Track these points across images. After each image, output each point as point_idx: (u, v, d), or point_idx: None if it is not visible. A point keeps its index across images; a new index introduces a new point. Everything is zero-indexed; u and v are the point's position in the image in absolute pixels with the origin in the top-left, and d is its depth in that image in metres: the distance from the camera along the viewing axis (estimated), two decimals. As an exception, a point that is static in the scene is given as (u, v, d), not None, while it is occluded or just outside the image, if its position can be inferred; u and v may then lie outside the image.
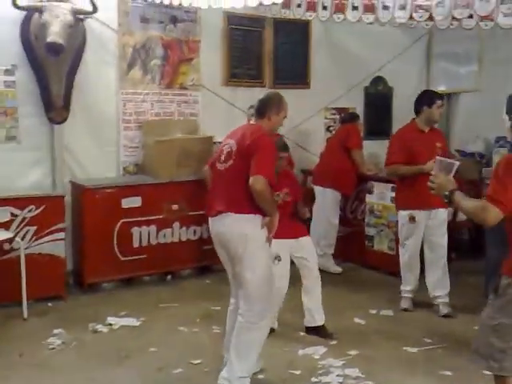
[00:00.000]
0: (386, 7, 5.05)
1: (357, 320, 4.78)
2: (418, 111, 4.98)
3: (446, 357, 4.08)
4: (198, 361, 4.01)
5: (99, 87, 5.76)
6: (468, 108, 7.60)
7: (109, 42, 5.80)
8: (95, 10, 5.09)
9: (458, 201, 2.75)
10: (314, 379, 3.75)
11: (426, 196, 4.73)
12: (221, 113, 6.43)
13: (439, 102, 4.94)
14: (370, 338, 4.45)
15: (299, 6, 5.62)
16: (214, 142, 6.06)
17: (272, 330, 4.30)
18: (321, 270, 6.07)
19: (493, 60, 7.04)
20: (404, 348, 4.23)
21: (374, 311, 5.01)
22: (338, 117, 7.26)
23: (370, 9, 5.16)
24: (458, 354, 4.04)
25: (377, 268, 6.09)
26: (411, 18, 5.35)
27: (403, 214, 5.00)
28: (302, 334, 4.51)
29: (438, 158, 3.01)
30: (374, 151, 7.19)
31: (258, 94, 6.57)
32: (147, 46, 5.96)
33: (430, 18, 5.48)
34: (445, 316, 4.87)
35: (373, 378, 3.76)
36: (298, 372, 3.85)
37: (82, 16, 5.14)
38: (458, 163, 2.90)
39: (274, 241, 3.81)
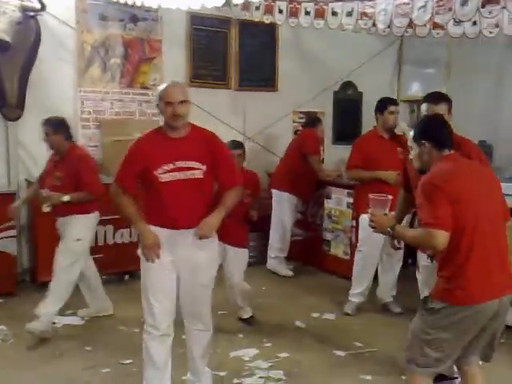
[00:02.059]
0: (334, 13, 5.10)
1: (297, 323, 4.76)
2: (375, 119, 5.07)
3: (372, 361, 4.07)
4: (129, 361, 3.99)
5: (56, 85, 5.76)
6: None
7: (67, 39, 5.81)
8: (43, 7, 5.12)
9: (402, 235, 2.87)
10: (236, 381, 3.74)
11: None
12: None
13: (391, 108, 4.96)
14: (303, 341, 4.42)
15: (257, 8, 5.63)
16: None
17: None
18: (273, 273, 6.17)
19: (461, 67, 7.01)
20: (334, 351, 4.22)
21: (316, 315, 5.00)
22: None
23: (320, 14, 5.19)
24: (384, 358, 4.06)
25: (332, 272, 6.09)
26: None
27: (364, 218, 4.95)
28: (240, 335, 4.50)
29: (370, 195, 3.05)
30: (343, 156, 7.13)
31: (223, 95, 6.76)
32: (106, 44, 5.98)
33: (410, 25, 5.56)
34: (399, 314, 4.97)
35: (294, 380, 3.75)
36: (223, 373, 3.83)
37: (31, 13, 5.15)
38: (390, 198, 3.01)
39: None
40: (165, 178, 3.15)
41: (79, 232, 4.48)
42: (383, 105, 4.98)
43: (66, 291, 4.42)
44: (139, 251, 3.23)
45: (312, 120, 6.64)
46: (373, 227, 2.96)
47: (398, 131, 5.15)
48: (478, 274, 2.63)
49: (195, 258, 3.24)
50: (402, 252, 4.99)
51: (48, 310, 4.34)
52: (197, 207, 3.21)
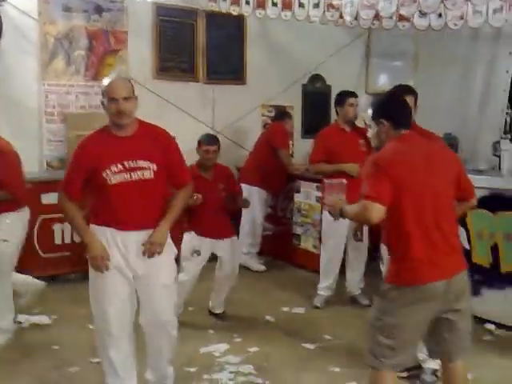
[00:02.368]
0: (301, 4, 5.10)
1: (267, 317, 4.75)
2: (336, 112, 5.13)
3: (340, 353, 4.09)
4: (98, 359, 3.91)
5: (19, 78, 5.65)
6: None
7: (29, 31, 5.70)
8: (1, -3, 5.01)
9: (347, 213, 2.86)
10: (206, 376, 3.71)
11: (347, 192, 4.87)
12: (151, 107, 6.28)
13: (350, 100, 5.00)
14: (273, 334, 4.42)
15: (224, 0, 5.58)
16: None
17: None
18: (244, 268, 6.14)
19: (427, 59, 7.05)
20: (303, 345, 4.22)
21: (286, 309, 4.99)
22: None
23: (288, 5, 5.17)
24: (353, 350, 4.08)
25: (303, 266, 6.09)
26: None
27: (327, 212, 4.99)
28: (211, 331, 4.48)
29: (325, 181, 3.07)
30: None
31: (191, 88, 6.69)
32: (70, 35, 5.87)
33: (377, 17, 5.60)
34: (367, 306, 4.90)
35: (263, 374, 3.75)
36: (193, 369, 3.80)
37: (-10, 4, 5.04)
38: (345, 182, 3.10)
39: (196, 236, 4.42)
40: (114, 179, 3.00)
41: (4, 232, 4.10)
42: (342, 98, 5.04)
43: (6, 298, 4.21)
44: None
45: (281, 113, 6.63)
46: (328, 211, 2.99)
47: (359, 122, 5.15)
48: (423, 256, 2.65)
49: (149, 259, 3.10)
50: (366, 245, 5.02)
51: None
52: (149, 209, 3.07)
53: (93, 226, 3.09)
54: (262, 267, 6.16)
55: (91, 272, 3.11)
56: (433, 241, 2.67)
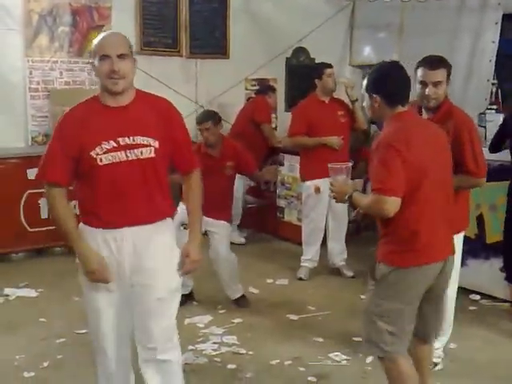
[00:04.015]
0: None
1: (251, 289, 4.85)
2: (313, 86, 5.13)
3: (324, 324, 4.20)
4: (84, 330, 4.01)
5: (3, 54, 5.68)
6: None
7: (13, 8, 5.70)
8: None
9: (358, 202, 2.71)
10: (190, 347, 3.80)
11: (324, 164, 4.93)
12: (135, 82, 6.25)
13: (328, 71, 5.04)
14: (257, 306, 4.52)
15: (207, -27, 5.57)
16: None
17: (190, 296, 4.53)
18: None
19: (412, 31, 7.05)
20: (287, 315, 4.33)
21: (270, 280, 5.11)
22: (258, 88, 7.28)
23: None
24: (337, 321, 4.22)
25: (287, 239, 6.19)
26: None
27: (308, 185, 5.09)
28: (194, 303, 4.57)
29: (329, 165, 2.87)
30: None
31: (174, 63, 6.70)
32: (54, 12, 5.87)
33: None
34: (351, 277, 5.13)
35: (247, 344, 3.85)
36: (177, 340, 3.90)
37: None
38: (350, 164, 2.85)
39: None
40: (105, 159, 2.43)
41: None
42: (320, 70, 5.08)
43: None
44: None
45: (264, 87, 6.65)
46: (334, 197, 2.82)
47: (341, 89, 5.19)
48: (429, 238, 2.62)
49: (148, 262, 2.56)
50: (346, 214, 5.10)
51: None
52: (150, 197, 2.52)
53: (82, 227, 2.55)
54: (242, 240, 6.23)
55: (82, 282, 2.65)
56: (437, 222, 2.64)
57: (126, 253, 2.53)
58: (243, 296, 4.58)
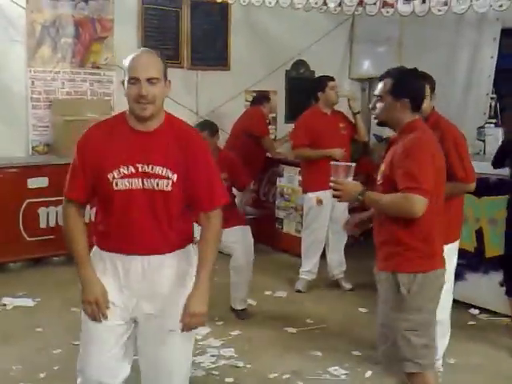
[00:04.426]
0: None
1: (250, 301, 4.82)
2: (314, 98, 5.16)
3: (322, 337, 4.19)
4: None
5: (6, 64, 5.70)
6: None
7: (16, 19, 5.74)
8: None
9: (375, 200, 2.64)
10: (188, 359, 3.80)
11: (328, 177, 4.96)
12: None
13: (331, 84, 5.09)
14: (255, 318, 4.52)
15: (209, -13, 5.62)
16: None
17: None
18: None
19: (411, 45, 7.12)
20: (285, 328, 4.32)
21: (268, 292, 5.10)
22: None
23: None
24: (335, 334, 4.21)
25: (285, 250, 6.19)
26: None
27: (310, 197, 5.10)
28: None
29: (331, 162, 2.81)
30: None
31: (175, 74, 6.73)
32: (57, 23, 5.91)
33: (360, 3, 5.63)
34: (350, 290, 5.13)
35: (245, 357, 3.84)
36: (175, 352, 3.89)
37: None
38: (353, 165, 2.79)
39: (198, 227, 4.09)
40: (121, 184, 2.32)
41: None
42: (323, 82, 5.12)
43: None
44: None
45: (259, 98, 6.59)
46: (337, 196, 2.71)
47: (341, 97, 5.24)
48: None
49: (159, 288, 2.40)
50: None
51: None
52: (161, 230, 2.37)
53: (95, 249, 2.47)
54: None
55: (83, 323, 2.52)
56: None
57: (134, 280, 2.38)
58: (245, 309, 4.57)
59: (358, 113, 5.18)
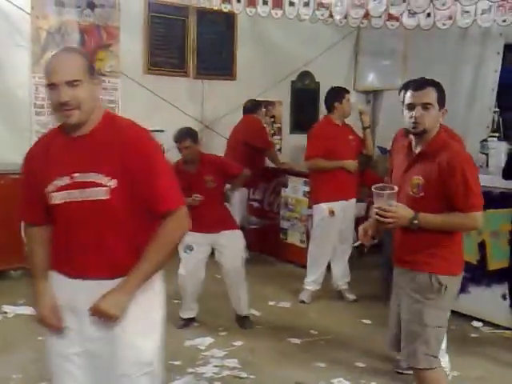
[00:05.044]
0: (292, 3, 5.16)
1: (253, 311, 4.79)
2: (330, 108, 5.08)
3: (326, 348, 4.15)
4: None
5: (10, 70, 5.68)
6: (392, 105, 7.67)
7: (22, 24, 5.73)
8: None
9: (433, 222, 2.65)
10: (190, 370, 3.76)
11: (343, 188, 4.98)
12: (142, 101, 6.39)
13: (347, 96, 5.08)
14: (259, 329, 4.48)
15: (216, -3, 5.63)
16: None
17: (193, 319, 4.49)
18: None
19: (415, 58, 7.14)
20: (288, 339, 4.28)
21: (272, 303, 5.06)
22: (264, 110, 7.31)
23: (278, 4, 5.23)
24: (339, 346, 4.17)
25: (290, 261, 6.16)
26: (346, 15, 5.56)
27: (323, 208, 5.03)
28: (195, 324, 4.52)
29: (374, 189, 2.67)
30: (301, 144, 7.26)
31: (181, 83, 6.75)
32: (62, 30, 5.89)
33: (366, 16, 5.66)
34: (353, 301, 5.09)
35: (248, 368, 3.79)
36: (177, 362, 3.84)
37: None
38: (396, 189, 2.66)
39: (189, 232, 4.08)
40: (57, 198, 2.09)
41: None
42: (341, 94, 5.08)
43: None
44: None
45: (253, 106, 6.45)
46: (387, 223, 2.65)
47: (354, 114, 5.24)
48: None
49: (112, 332, 2.09)
50: (351, 239, 5.11)
51: None
52: (106, 248, 2.08)
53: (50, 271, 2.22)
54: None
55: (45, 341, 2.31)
56: None
57: (80, 308, 2.11)
58: (248, 317, 4.54)
59: (369, 127, 5.18)
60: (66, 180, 2.07)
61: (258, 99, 6.56)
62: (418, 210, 2.63)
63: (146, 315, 2.15)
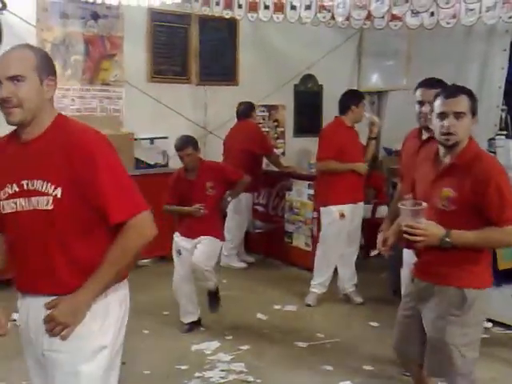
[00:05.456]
0: (293, 7, 5.18)
1: (259, 315, 4.82)
2: (345, 110, 5.03)
3: (333, 352, 4.15)
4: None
5: (17, 82, 5.75)
6: (396, 105, 7.67)
7: (27, 37, 5.74)
8: (4, 6, 5.13)
9: (466, 239, 2.53)
10: (197, 374, 3.79)
11: (352, 191, 4.99)
12: (146, 109, 6.46)
13: (364, 102, 5.14)
14: (265, 333, 4.50)
15: (217, 4, 5.66)
16: (135, 139, 6.11)
17: (197, 323, 4.52)
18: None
19: (420, 58, 7.13)
20: (295, 343, 4.29)
21: (278, 307, 5.07)
22: (267, 114, 7.37)
23: (279, 8, 5.26)
24: (346, 349, 4.17)
25: (295, 264, 6.16)
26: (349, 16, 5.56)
27: (333, 210, 4.99)
28: (202, 329, 4.55)
29: (401, 206, 2.57)
30: (305, 148, 7.34)
31: (184, 90, 6.81)
32: (67, 41, 5.97)
33: (368, 17, 5.65)
34: (360, 304, 5.08)
35: (255, 372, 3.81)
36: (184, 367, 3.88)
37: (-8, 12, 5.15)
38: (425, 205, 2.54)
39: (179, 236, 4.37)
40: (7, 206, 2.00)
41: None
42: (360, 98, 5.10)
43: None
44: None
45: (247, 109, 6.38)
46: (417, 241, 2.53)
47: (367, 120, 5.25)
48: None
49: (54, 348, 2.00)
50: (358, 242, 5.11)
51: None
52: (50, 262, 1.95)
53: None
54: (243, 264, 6.25)
55: None
56: None
57: (32, 323, 2.07)
58: (215, 294, 4.55)
59: (375, 138, 5.20)
60: (14, 187, 1.98)
61: (250, 101, 6.49)
62: (446, 225, 2.51)
63: (88, 340, 2.01)
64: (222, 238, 4.66)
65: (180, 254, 4.43)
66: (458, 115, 2.56)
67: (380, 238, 2.94)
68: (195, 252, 4.37)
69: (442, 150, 2.66)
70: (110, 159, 1.99)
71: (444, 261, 2.58)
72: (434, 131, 2.72)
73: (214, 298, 4.58)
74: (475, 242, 2.52)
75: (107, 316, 2.05)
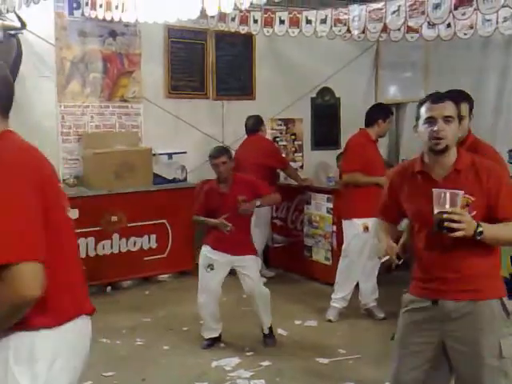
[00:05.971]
0: (309, 21, 5.18)
1: (280, 331, 4.78)
2: (371, 122, 5.01)
3: (355, 368, 4.11)
4: (111, 373, 4.02)
5: (37, 100, 5.83)
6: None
7: (47, 56, 5.90)
8: (24, 26, 5.21)
9: (496, 233, 2.43)
10: (217, 391, 3.79)
11: (376, 204, 4.92)
12: (164, 124, 6.52)
13: (391, 117, 5.14)
14: (286, 348, 4.47)
15: (233, 19, 5.70)
16: (154, 154, 6.15)
17: (217, 339, 4.52)
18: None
19: (438, 69, 7.13)
20: (316, 359, 4.25)
21: (299, 322, 5.04)
22: (284, 128, 7.37)
23: (295, 22, 5.27)
24: (368, 365, 4.11)
25: (315, 279, 6.12)
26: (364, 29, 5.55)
27: (357, 223, 4.95)
28: (221, 345, 4.53)
29: (438, 190, 2.38)
30: (323, 160, 7.33)
31: (201, 105, 6.85)
32: (86, 59, 6.06)
33: (384, 29, 5.63)
34: (382, 319, 5.02)
35: (275, 389, 3.79)
36: (204, 384, 3.88)
37: (13, 32, 5.24)
38: (462, 192, 2.38)
39: (211, 250, 4.35)
40: None
41: None
42: (388, 113, 5.09)
43: None
44: None
45: (256, 123, 6.35)
46: (456, 229, 2.32)
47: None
48: None
49: None
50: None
51: None
52: None
53: None
54: (263, 279, 6.08)
55: None
56: None
57: None
58: (272, 335, 4.56)
59: None
60: None
61: (258, 114, 6.46)
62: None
63: None
64: (256, 253, 4.69)
65: (212, 269, 4.37)
66: (447, 119, 2.46)
67: (390, 243, 2.88)
68: (248, 281, 4.42)
69: (426, 159, 2.55)
70: (4, 191, 1.67)
71: (471, 273, 2.48)
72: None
73: (271, 334, 4.57)
74: (501, 236, 2.45)
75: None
